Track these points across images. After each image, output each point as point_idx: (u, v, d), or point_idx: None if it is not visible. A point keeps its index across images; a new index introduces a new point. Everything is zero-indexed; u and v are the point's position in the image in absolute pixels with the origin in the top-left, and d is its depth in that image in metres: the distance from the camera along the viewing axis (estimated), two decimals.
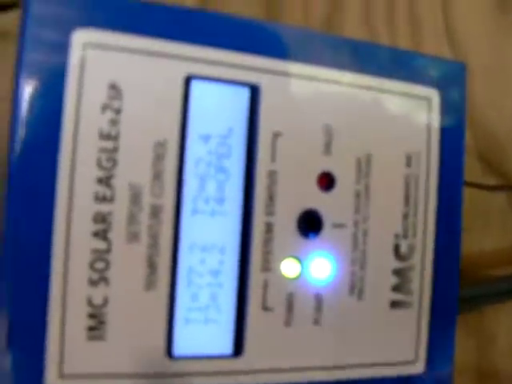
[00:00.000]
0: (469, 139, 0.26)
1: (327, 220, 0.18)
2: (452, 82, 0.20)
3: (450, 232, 0.20)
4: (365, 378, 0.19)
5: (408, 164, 0.19)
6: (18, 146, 0.15)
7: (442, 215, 0.20)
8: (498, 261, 0.26)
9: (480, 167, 0.26)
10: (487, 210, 0.26)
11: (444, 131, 0.20)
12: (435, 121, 0.20)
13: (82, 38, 0.16)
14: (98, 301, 0.16)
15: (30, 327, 0.16)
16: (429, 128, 0.20)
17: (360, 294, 0.19)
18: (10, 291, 0.15)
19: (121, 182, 0.16)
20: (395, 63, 0.19)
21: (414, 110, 0.19)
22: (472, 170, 0.26)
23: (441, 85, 0.20)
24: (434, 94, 0.20)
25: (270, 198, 0.18)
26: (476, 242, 0.26)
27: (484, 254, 0.26)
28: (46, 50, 0.16)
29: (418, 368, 0.20)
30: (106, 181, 0.16)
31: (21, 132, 0.15)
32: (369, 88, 0.19)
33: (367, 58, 0.19)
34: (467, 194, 0.23)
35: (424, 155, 0.20)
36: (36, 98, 0.16)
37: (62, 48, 0.16)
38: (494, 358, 0.27)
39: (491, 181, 0.26)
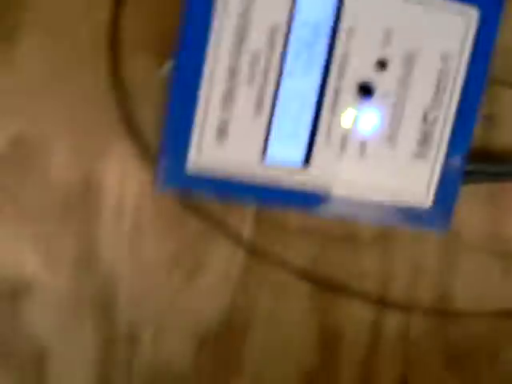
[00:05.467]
0: None
1: (378, 89, 0.27)
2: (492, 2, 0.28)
3: (469, 107, 0.28)
4: (382, 202, 0.28)
5: (444, 61, 0.28)
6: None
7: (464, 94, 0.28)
8: None
9: None
10: None
11: (477, 45, 0.28)
12: (470, 34, 0.28)
13: None
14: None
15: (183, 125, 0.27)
16: (464, 38, 0.28)
17: (394, 145, 0.28)
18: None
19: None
20: None
21: (454, 22, 0.28)
22: None
23: (481, 4, 0.28)
24: (473, 11, 0.28)
25: (341, 73, 0.27)
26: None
27: None
28: None
29: (427, 203, 0.29)
30: None
31: None
32: (420, 2, 0.27)
33: None
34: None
35: (456, 57, 0.28)
36: None
37: None
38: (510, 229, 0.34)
39: None
